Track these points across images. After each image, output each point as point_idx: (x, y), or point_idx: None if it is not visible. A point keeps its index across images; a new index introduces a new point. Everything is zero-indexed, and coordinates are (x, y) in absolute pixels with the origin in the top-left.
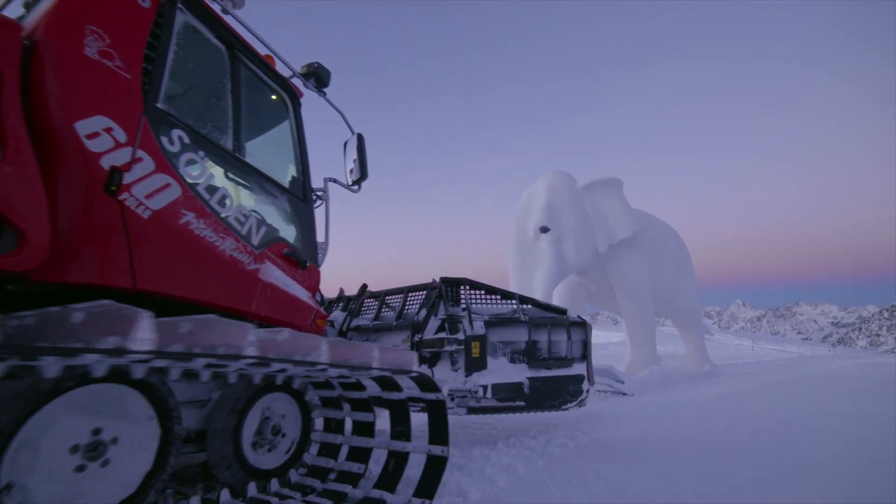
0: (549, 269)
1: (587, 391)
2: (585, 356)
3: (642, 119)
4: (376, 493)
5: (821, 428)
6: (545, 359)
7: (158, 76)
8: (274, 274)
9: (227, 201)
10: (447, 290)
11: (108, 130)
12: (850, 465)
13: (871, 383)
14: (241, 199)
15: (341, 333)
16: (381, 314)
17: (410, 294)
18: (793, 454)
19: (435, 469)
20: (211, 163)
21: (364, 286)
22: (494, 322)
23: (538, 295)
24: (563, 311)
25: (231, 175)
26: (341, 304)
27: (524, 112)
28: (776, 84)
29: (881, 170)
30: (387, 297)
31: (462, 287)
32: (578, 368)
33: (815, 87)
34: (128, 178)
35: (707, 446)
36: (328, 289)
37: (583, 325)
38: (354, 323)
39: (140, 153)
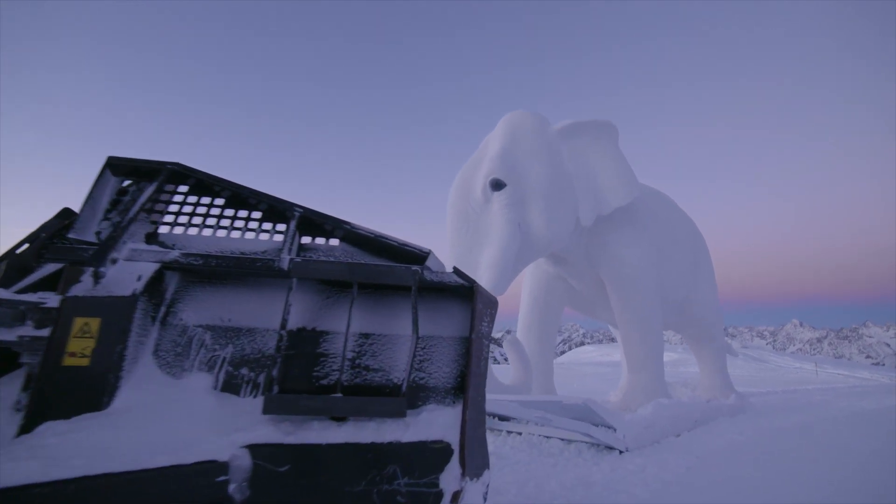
0: (503, 245)
1: (459, 492)
2: (464, 384)
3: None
4: None
5: None
6: (328, 386)
7: None
8: None
9: None
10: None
11: None
12: None
13: None
14: None
15: None
16: None
17: None
18: None
19: None
20: None
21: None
22: (194, 266)
23: (485, 283)
24: (416, 257)
25: None
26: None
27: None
28: (844, 80)
29: None
30: None
31: (162, 185)
32: (432, 423)
33: (882, 91)
34: None
35: None
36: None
37: (467, 295)
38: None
39: None
